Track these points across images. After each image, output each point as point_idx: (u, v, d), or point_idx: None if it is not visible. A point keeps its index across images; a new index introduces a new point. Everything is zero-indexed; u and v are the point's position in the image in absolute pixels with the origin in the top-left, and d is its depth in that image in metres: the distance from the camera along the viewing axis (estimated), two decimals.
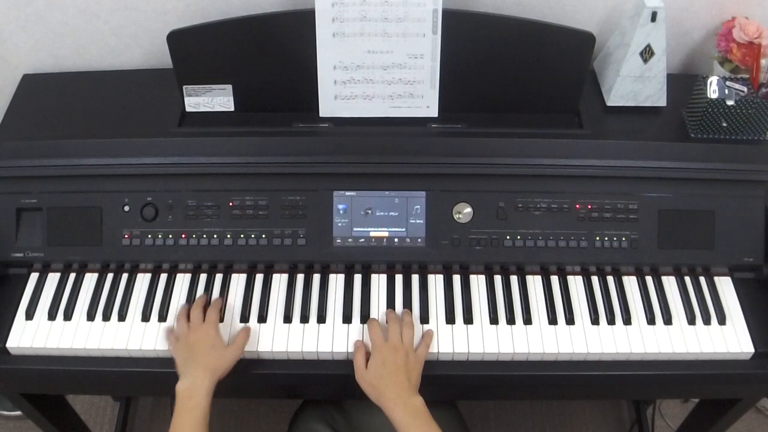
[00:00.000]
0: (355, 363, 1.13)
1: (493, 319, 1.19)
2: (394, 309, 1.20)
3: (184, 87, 1.29)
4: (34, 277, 1.25)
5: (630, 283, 1.24)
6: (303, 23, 1.20)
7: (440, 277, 1.24)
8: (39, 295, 1.23)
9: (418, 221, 1.23)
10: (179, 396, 1.07)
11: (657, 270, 1.25)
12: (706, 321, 1.20)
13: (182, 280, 1.24)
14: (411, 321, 1.17)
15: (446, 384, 1.21)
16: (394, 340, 1.12)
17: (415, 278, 1.24)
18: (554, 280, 1.24)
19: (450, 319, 1.19)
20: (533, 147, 1.23)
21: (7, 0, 1.33)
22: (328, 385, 1.24)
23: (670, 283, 1.25)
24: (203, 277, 1.25)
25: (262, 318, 1.20)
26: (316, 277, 1.24)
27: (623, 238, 1.23)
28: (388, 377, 1.08)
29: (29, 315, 1.20)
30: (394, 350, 1.11)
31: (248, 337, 1.16)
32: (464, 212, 1.23)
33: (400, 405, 1.06)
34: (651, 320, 1.20)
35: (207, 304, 1.20)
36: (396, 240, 1.23)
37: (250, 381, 1.19)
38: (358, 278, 1.24)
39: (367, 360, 1.12)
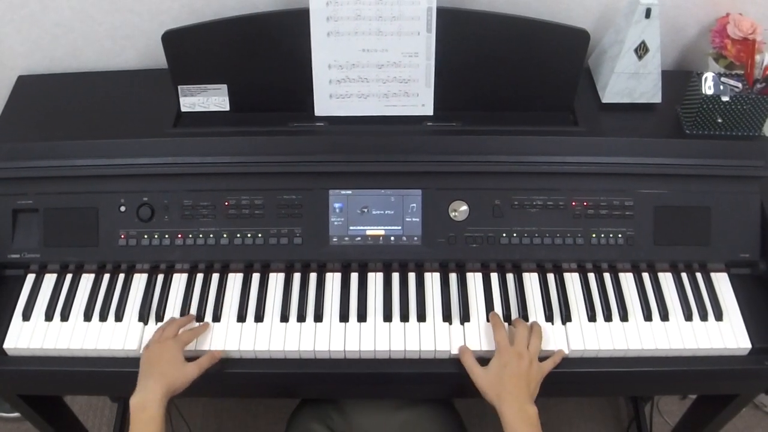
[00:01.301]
0: (468, 366, 1.12)
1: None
2: (391, 307, 1.20)
3: (179, 87, 1.29)
4: (30, 278, 1.25)
5: (626, 279, 1.24)
6: (297, 22, 1.20)
7: (437, 275, 1.24)
8: (36, 296, 1.23)
9: (414, 219, 1.23)
10: (133, 409, 1.04)
11: (653, 266, 1.25)
12: (703, 317, 1.20)
13: (179, 280, 1.24)
14: (540, 331, 1.16)
15: (443, 382, 1.21)
16: (520, 347, 1.11)
17: (412, 276, 1.24)
18: (551, 277, 1.24)
19: (446, 317, 1.19)
20: (529, 144, 1.23)
21: (2, 2, 1.33)
22: (326, 385, 1.23)
23: (666, 279, 1.25)
24: (200, 276, 1.25)
25: (259, 317, 1.19)
26: (313, 276, 1.24)
27: (619, 235, 1.23)
28: (508, 380, 1.07)
29: (26, 316, 1.20)
30: (519, 356, 1.10)
31: (213, 361, 1.13)
32: (460, 210, 1.23)
33: (515, 409, 1.05)
34: (648, 316, 1.20)
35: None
36: (392, 238, 1.23)
37: (247, 381, 1.19)
38: (354, 277, 1.24)
39: (479, 362, 1.12)
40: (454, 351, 1.16)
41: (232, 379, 1.16)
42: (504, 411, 1.05)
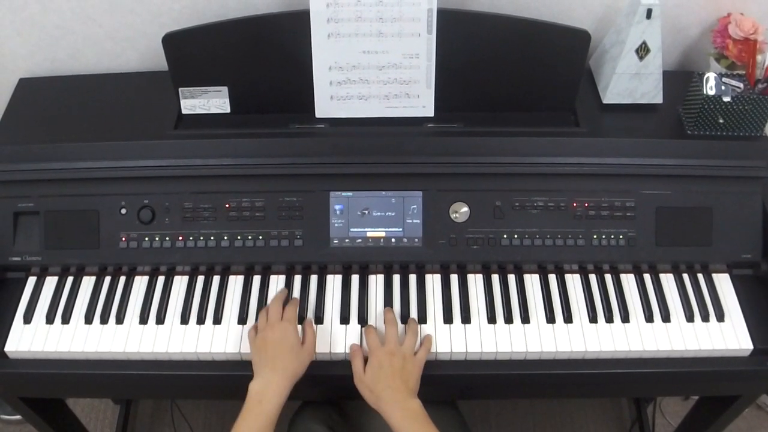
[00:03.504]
0: (353, 367, 1.12)
1: (491, 319, 1.19)
2: (392, 309, 1.20)
3: (179, 89, 1.29)
4: (31, 281, 1.25)
5: (628, 280, 1.24)
6: (298, 24, 1.20)
7: (438, 277, 1.24)
8: (37, 299, 1.23)
9: (414, 221, 1.23)
10: (251, 396, 1.06)
11: (655, 267, 1.25)
12: (705, 318, 1.19)
13: (180, 283, 1.24)
14: (416, 328, 1.17)
15: (445, 384, 1.21)
16: (391, 345, 1.12)
17: (413, 278, 1.24)
18: (552, 278, 1.24)
19: (448, 318, 1.19)
20: (530, 145, 1.23)
21: (2, 4, 1.33)
22: (327, 386, 1.24)
23: (668, 280, 1.24)
24: (200, 279, 1.25)
25: None
26: (314, 278, 1.24)
27: (621, 236, 1.23)
28: (384, 381, 1.08)
29: (27, 319, 1.20)
30: (391, 354, 1.10)
31: (315, 335, 1.14)
32: (461, 211, 1.23)
33: (397, 409, 1.05)
34: (649, 318, 1.19)
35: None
36: (393, 240, 1.23)
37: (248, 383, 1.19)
38: (355, 279, 1.24)
39: (365, 363, 1.12)
40: (456, 352, 1.15)
41: (231, 383, 1.16)
42: (386, 412, 1.06)
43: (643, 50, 1.27)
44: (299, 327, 1.15)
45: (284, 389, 1.07)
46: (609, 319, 1.19)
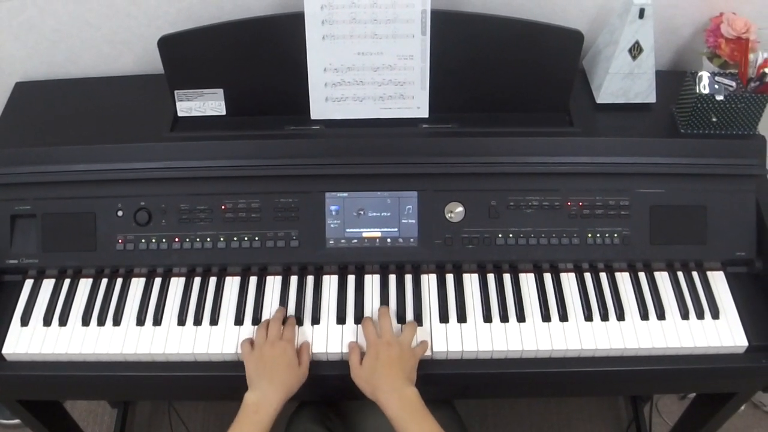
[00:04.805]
0: (351, 362, 1.13)
1: (487, 318, 1.19)
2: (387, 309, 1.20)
3: (175, 92, 1.30)
4: (29, 283, 1.25)
5: (623, 279, 1.25)
6: (293, 26, 1.21)
7: (433, 277, 1.24)
8: (34, 302, 1.23)
9: (410, 221, 1.23)
10: (246, 407, 1.07)
11: (649, 265, 1.26)
12: (700, 315, 1.20)
13: (176, 284, 1.25)
14: (414, 324, 1.18)
15: (441, 383, 1.21)
16: (388, 336, 1.13)
17: (408, 278, 1.24)
18: (547, 277, 1.24)
19: (443, 318, 1.19)
20: (524, 145, 1.24)
21: (0, 8, 1.34)
22: (324, 386, 1.24)
23: (662, 278, 1.25)
24: (197, 280, 1.25)
25: (256, 320, 1.20)
26: (310, 279, 1.25)
27: (615, 235, 1.23)
28: (381, 370, 1.09)
29: (25, 321, 1.20)
30: (388, 345, 1.11)
31: (310, 357, 1.16)
32: (456, 211, 1.23)
33: (394, 396, 1.06)
34: (644, 315, 1.20)
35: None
36: (389, 240, 1.24)
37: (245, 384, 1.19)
38: (351, 279, 1.24)
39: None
40: (452, 351, 1.16)
41: (230, 383, 1.16)
42: (383, 401, 1.07)
43: (636, 50, 1.28)
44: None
45: (279, 402, 1.08)
46: (604, 317, 1.20)
